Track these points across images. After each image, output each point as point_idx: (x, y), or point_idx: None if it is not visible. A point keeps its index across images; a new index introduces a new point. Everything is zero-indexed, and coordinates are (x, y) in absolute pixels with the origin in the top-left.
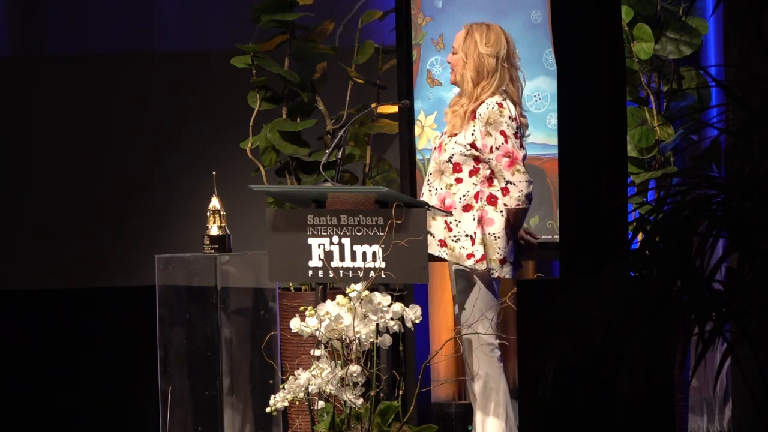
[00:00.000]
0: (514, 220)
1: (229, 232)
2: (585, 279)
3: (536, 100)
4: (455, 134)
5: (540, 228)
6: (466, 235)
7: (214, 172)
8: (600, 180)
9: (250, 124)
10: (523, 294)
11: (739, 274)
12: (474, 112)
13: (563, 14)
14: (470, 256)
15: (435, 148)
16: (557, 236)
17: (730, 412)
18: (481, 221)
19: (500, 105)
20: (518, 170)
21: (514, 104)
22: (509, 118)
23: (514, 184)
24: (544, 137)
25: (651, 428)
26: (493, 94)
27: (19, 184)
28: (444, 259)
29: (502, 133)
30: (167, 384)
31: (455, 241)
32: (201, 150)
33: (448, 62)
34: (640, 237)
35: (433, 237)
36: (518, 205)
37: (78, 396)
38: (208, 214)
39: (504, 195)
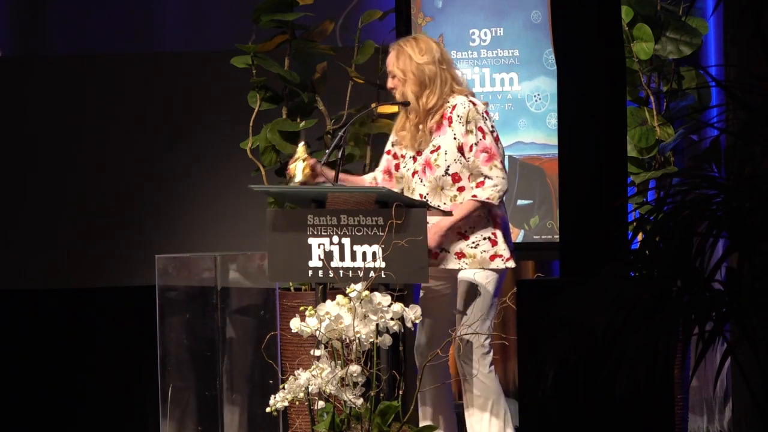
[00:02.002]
0: (469, 213)
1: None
2: (585, 279)
3: (536, 100)
4: (438, 148)
5: (540, 228)
6: (485, 238)
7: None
8: (600, 180)
9: (250, 124)
10: (523, 294)
11: (739, 274)
12: (444, 118)
13: (563, 14)
14: (495, 257)
15: (413, 171)
16: (557, 236)
17: (730, 413)
18: (496, 221)
19: (473, 103)
20: (496, 166)
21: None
22: (484, 114)
23: (491, 178)
24: (544, 137)
25: (651, 428)
26: (439, 98)
27: (19, 184)
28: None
29: (480, 129)
30: (167, 384)
31: (475, 247)
32: (201, 150)
33: (391, 88)
34: (640, 237)
35: (448, 252)
36: (488, 199)
37: (78, 396)
38: (292, 163)
39: (477, 187)
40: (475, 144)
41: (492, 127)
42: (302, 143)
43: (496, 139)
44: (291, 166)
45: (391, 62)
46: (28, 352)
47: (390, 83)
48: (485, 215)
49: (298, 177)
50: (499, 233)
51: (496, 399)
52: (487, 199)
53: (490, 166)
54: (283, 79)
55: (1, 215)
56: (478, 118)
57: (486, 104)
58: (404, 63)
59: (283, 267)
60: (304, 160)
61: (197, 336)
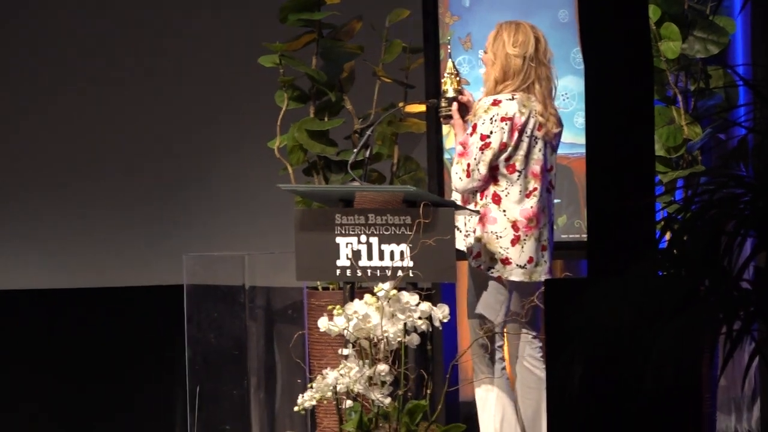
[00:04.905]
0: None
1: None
2: (612, 278)
3: (564, 99)
4: None
5: (567, 227)
6: (473, 231)
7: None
8: (628, 179)
9: (278, 123)
10: (550, 293)
11: (766, 274)
12: None
13: (591, 13)
14: (470, 251)
15: None
16: (585, 235)
17: (758, 412)
18: (483, 218)
19: (495, 102)
20: (460, 163)
21: (535, 103)
22: (493, 117)
23: (451, 173)
24: (571, 136)
25: (679, 427)
26: (513, 92)
27: (50, 183)
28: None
29: (474, 126)
30: (196, 383)
31: (466, 237)
32: (229, 149)
33: (482, 60)
34: (667, 236)
35: (460, 232)
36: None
37: (107, 394)
38: (444, 77)
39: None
40: (464, 135)
41: (490, 133)
42: (450, 60)
43: (486, 146)
44: (443, 82)
45: (489, 41)
46: (57, 350)
47: (483, 56)
48: (480, 211)
49: (450, 92)
50: (478, 229)
51: (493, 401)
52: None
53: (457, 160)
54: (310, 78)
55: (30, 214)
56: (481, 115)
57: (541, 104)
58: (497, 47)
59: (310, 266)
60: (453, 75)
61: (225, 335)
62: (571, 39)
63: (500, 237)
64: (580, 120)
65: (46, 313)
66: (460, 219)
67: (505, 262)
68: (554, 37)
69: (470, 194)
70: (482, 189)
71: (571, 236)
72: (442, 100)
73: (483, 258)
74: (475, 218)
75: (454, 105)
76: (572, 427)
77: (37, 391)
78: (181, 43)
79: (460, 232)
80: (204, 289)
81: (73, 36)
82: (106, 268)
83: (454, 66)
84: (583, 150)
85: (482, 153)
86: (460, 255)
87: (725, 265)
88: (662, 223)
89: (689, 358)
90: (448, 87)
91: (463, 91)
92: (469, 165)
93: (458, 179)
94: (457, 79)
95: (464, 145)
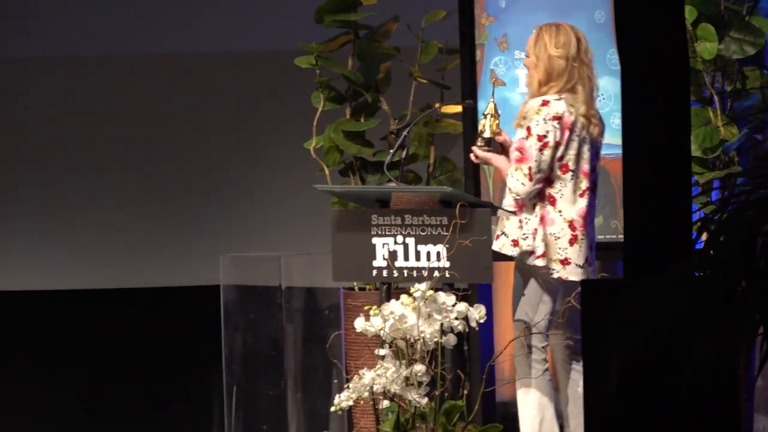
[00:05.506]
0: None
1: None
2: (649, 279)
3: (600, 100)
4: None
5: (604, 228)
6: (532, 233)
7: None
8: (664, 180)
9: (314, 124)
10: (587, 294)
11: None
12: None
13: (627, 14)
14: (531, 253)
15: None
16: (621, 236)
17: None
18: (542, 220)
19: (544, 103)
20: (520, 169)
21: (580, 103)
22: (545, 117)
23: (511, 179)
24: (608, 137)
25: (717, 428)
26: (559, 93)
27: (87, 184)
28: (513, 258)
29: (528, 129)
30: (232, 383)
31: (524, 239)
32: (265, 150)
33: (525, 65)
34: (704, 237)
35: (507, 237)
36: (512, 204)
37: (145, 393)
38: (483, 117)
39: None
40: (518, 140)
41: (546, 132)
42: (492, 100)
43: (544, 146)
44: (481, 122)
45: (529, 44)
46: (94, 350)
47: (525, 61)
48: (538, 212)
49: (487, 133)
50: (539, 230)
51: (533, 402)
52: (511, 204)
53: (516, 167)
54: (347, 79)
55: (67, 217)
56: (533, 117)
57: (585, 105)
58: (539, 49)
59: (347, 267)
60: (492, 116)
61: (261, 336)
62: (607, 40)
63: (558, 238)
64: (617, 121)
65: (82, 313)
66: (513, 223)
67: (565, 262)
68: (590, 37)
69: (528, 199)
70: (540, 191)
71: (607, 237)
72: (478, 139)
73: (547, 259)
74: (534, 220)
75: (490, 143)
76: (609, 427)
77: (75, 390)
78: (218, 42)
79: (507, 237)
80: (241, 289)
81: (103, 27)
82: (144, 269)
83: (495, 108)
84: (620, 150)
85: (542, 153)
86: (497, 256)
87: (762, 266)
88: (699, 224)
89: (726, 358)
90: (486, 128)
91: (501, 132)
92: (530, 168)
93: (521, 185)
94: (497, 121)
95: (521, 150)
